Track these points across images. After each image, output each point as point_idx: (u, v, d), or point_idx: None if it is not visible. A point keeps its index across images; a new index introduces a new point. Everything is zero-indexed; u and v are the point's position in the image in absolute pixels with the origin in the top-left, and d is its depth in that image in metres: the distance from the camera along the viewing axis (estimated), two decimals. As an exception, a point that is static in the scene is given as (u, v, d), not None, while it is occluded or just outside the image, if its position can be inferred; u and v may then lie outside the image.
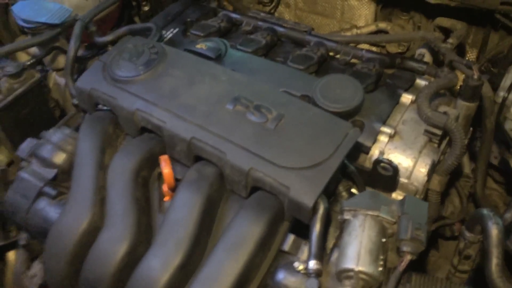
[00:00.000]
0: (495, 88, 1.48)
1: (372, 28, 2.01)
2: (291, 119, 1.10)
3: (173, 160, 1.15)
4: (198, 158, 1.13)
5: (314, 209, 0.98)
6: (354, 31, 2.03)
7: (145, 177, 1.14)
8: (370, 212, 0.94)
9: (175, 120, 1.13)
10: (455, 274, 1.11)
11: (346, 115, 1.21)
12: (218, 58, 1.40)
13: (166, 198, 1.13)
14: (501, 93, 1.38)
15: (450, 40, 1.52)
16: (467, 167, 1.45)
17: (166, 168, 1.07)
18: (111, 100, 1.20)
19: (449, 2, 1.58)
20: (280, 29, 1.55)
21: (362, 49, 1.45)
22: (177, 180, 1.13)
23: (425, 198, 1.23)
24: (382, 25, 1.99)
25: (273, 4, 2.22)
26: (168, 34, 1.54)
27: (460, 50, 1.88)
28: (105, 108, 1.27)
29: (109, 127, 1.22)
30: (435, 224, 1.33)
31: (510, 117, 1.36)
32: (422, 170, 1.17)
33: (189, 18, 1.60)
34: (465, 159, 1.47)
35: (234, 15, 1.62)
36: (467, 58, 1.89)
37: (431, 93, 1.22)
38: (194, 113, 1.13)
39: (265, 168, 1.03)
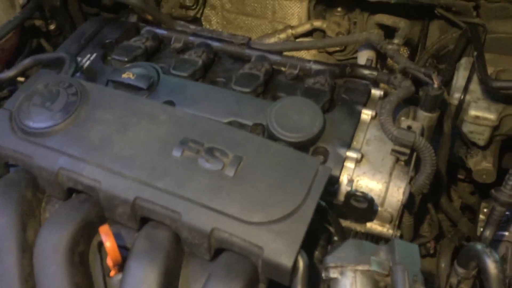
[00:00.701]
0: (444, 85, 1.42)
1: (307, 27, 1.90)
2: (251, 161, 0.94)
3: (116, 223, 0.96)
4: (145, 219, 0.95)
5: (294, 268, 0.85)
6: (289, 31, 1.90)
7: (83, 253, 0.93)
8: (359, 267, 0.82)
9: (112, 178, 0.93)
10: (447, 309, 1.04)
11: (307, 144, 1.09)
12: (151, 88, 1.20)
13: (112, 274, 0.93)
14: (456, 95, 1.33)
15: (395, 41, 1.44)
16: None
17: (108, 241, 0.88)
18: (25, 159, 0.98)
19: (389, 0, 1.49)
20: (215, 44, 1.38)
21: (309, 61, 1.32)
22: (123, 248, 0.94)
23: (400, 222, 1.14)
24: (317, 23, 1.88)
25: (198, 7, 2.03)
26: (85, 61, 1.31)
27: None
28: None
29: (27, 193, 0.99)
30: (410, 245, 1.25)
31: (468, 120, 1.30)
32: (395, 195, 1.07)
33: (107, 39, 1.37)
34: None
35: (160, 31, 1.42)
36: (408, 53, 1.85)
37: (392, 108, 1.12)
38: (134, 166, 0.94)
39: (231, 226, 0.87)
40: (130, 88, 1.19)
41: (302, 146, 1.08)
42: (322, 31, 1.90)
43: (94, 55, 1.32)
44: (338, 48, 1.88)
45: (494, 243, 1.20)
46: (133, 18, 1.48)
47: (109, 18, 1.46)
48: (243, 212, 0.88)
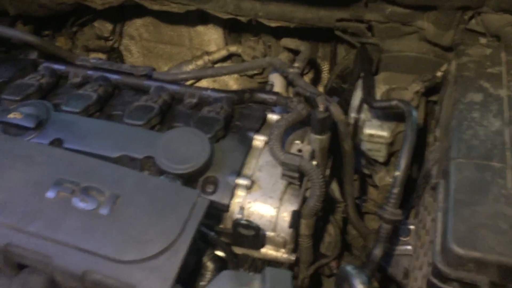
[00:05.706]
0: (348, 104, 1.45)
1: (224, 52, 1.92)
2: (128, 198, 0.93)
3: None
4: (23, 265, 0.91)
5: (169, 304, 0.83)
6: (206, 58, 1.92)
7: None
8: (230, 300, 0.81)
9: (-19, 225, 0.90)
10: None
11: (195, 175, 1.08)
12: (40, 126, 1.17)
13: (-14, 326, 0.89)
14: (352, 114, 1.36)
15: (296, 64, 1.46)
16: (336, 192, 1.41)
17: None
18: None
19: (288, 24, 1.53)
20: (115, 77, 1.37)
21: (207, 89, 1.33)
22: (-1, 298, 0.90)
23: (297, 245, 1.14)
24: (233, 48, 1.91)
25: (115, 38, 2.02)
26: (-25, 103, 1.27)
27: (313, 65, 1.87)
28: None
29: None
30: (313, 267, 1.26)
31: (364, 138, 1.33)
32: (286, 219, 1.08)
33: (0, 79, 1.34)
34: (334, 185, 1.42)
35: (57, 66, 1.39)
36: (322, 70, 1.89)
37: (281, 133, 1.13)
38: (6, 212, 0.91)
39: (104, 267, 0.85)
40: (17, 128, 1.16)
41: (191, 177, 1.08)
42: (238, 55, 1.92)
43: (-15, 96, 1.29)
44: (255, 72, 1.91)
45: (397, 257, 1.22)
46: (33, 55, 1.45)
47: (3, 57, 1.43)
48: (117, 251, 0.86)
